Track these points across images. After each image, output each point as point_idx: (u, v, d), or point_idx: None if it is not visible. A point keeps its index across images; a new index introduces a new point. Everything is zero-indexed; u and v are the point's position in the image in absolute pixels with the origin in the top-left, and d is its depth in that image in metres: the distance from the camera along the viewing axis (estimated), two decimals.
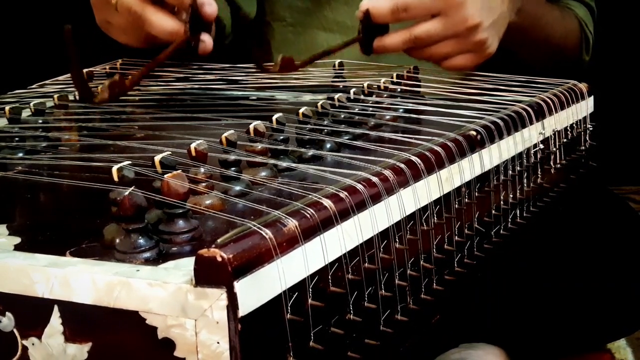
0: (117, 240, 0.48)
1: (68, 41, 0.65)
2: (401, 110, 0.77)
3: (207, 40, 0.78)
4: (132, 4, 0.77)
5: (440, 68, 0.89)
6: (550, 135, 0.79)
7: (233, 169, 0.58)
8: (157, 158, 0.52)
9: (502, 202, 0.70)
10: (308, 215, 0.48)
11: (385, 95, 0.80)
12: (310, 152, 0.64)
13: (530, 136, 0.74)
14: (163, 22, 0.76)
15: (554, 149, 0.79)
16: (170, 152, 0.53)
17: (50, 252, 0.49)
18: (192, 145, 0.55)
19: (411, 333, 0.58)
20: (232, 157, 0.58)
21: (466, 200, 0.64)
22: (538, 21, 1.00)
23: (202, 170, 0.55)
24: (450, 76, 0.89)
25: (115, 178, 0.50)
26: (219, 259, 0.42)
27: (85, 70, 0.99)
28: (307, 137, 0.65)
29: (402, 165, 0.57)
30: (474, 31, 0.83)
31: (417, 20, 0.83)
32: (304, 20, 1.06)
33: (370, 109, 0.75)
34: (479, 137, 0.67)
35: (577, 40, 1.10)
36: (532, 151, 0.75)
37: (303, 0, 1.09)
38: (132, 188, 0.48)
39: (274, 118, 0.64)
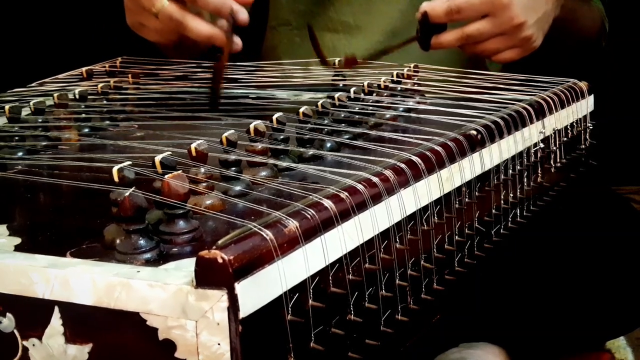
0: (118, 241, 0.48)
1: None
2: (401, 109, 0.77)
3: (238, 41, 0.90)
4: (174, 13, 0.88)
5: (442, 67, 0.92)
6: (551, 134, 0.78)
7: (233, 169, 0.57)
8: (158, 158, 0.52)
9: (502, 202, 0.70)
10: (309, 216, 0.48)
11: (385, 94, 0.80)
12: (310, 151, 0.64)
13: (530, 135, 0.74)
14: (202, 28, 0.88)
15: (554, 148, 0.79)
16: (170, 152, 0.53)
17: (51, 252, 0.49)
18: (193, 146, 0.55)
19: (411, 333, 0.58)
20: (232, 157, 0.58)
21: (466, 199, 0.64)
22: (574, 14, 1.08)
23: (202, 170, 0.55)
24: (450, 75, 0.90)
25: (116, 179, 0.49)
26: (220, 260, 0.42)
27: (84, 69, 0.99)
28: (307, 136, 0.65)
29: (403, 165, 0.57)
30: (520, 29, 0.90)
31: (469, 20, 0.91)
32: (309, 22, 1.07)
33: (371, 108, 0.74)
34: (479, 136, 0.66)
35: (599, 29, 1.18)
36: (533, 150, 0.75)
37: (306, 3, 1.11)
38: (133, 189, 0.48)
39: (274, 117, 0.64)
